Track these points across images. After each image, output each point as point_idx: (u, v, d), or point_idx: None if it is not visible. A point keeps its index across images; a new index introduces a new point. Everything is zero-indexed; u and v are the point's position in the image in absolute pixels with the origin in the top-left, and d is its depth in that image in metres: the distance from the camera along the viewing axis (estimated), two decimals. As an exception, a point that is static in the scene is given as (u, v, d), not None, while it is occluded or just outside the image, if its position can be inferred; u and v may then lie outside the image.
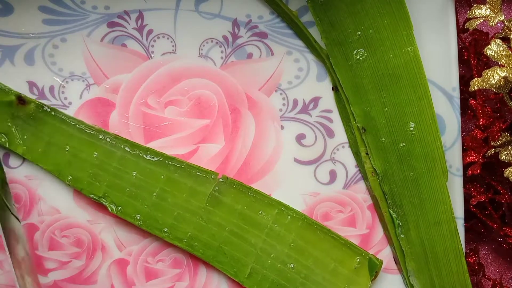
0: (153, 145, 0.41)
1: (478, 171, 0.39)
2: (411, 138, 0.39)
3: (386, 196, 0.40)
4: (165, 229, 0.39)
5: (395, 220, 0.40)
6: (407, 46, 0.39)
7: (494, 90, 0.36)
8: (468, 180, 0.42)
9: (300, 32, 0.41)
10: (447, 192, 0.39)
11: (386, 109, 0.40)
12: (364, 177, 0.41)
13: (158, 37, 0.41)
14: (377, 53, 0.39)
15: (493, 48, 0.37)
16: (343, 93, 0.41)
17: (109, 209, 0.39)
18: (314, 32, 0.41)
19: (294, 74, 0.42)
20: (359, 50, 0.40)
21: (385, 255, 0.41)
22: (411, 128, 0.39)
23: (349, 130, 0.41)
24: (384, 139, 0.40)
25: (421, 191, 0.39)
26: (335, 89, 0.41)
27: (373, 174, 0.40)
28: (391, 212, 0.40)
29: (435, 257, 0.39)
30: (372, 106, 0.40)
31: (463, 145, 0.41)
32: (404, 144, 0.40)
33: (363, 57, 0.40)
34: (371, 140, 0.40)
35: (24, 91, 0.41)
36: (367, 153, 0.40)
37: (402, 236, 0.40)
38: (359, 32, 0.40)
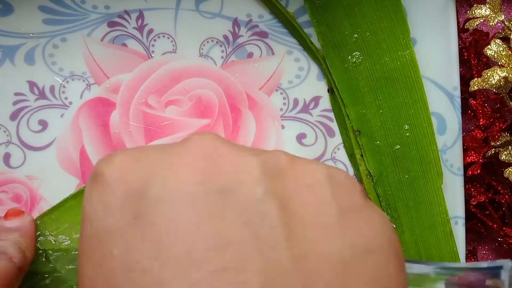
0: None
1: (478, 171, 0.39)
2: (406, 140, 0.39)
3: (380, 199, 0.40)
4: None
5: (389, 223, 0.40)
6: (404, 49, 0.39)
7: (494, 90, 0.36)
8: (468, 180, 0.42)
9: (297, 33, 0.41)
10: (442, 194, 0.39)
11: (381, 111, 0.40)
12: (359, 180, 0.41)
13: (159, 37, 0.41)
14: (374, 56, 0.39)
15: (493, 48, 0.37)
16: (339, 95, 0.41)
17: None
18: (312, 32, 0.41)
19: (295, 73, 0.42)
20: (355, 53, 0.40)
21: (385, 254, 0.42)
22: (406, 130, 0.39)
23: (345, 132, 0.41)
24: (379, 142, 0.40)
25: (416, 194, 0.39)
26: (330, 91, 0.41)
27: (368, 177, 0.40)
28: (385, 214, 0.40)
29: (430, 260, 0.39)
30: (367, 108, 0.40)
31: (463, 145, 0.41)
32: (399, 146, 0.40)
33: (359, 60, 0.40)
34: (366, 142, 0.40)
35: (25, 91, 0.41)
36: (361, 156, 0.40)
37: (397, 238, 0.40)
38: (356, 35, 0.39)
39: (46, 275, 0.37)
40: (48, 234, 0.37)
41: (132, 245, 0.18)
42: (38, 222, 0.37)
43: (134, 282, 0.18)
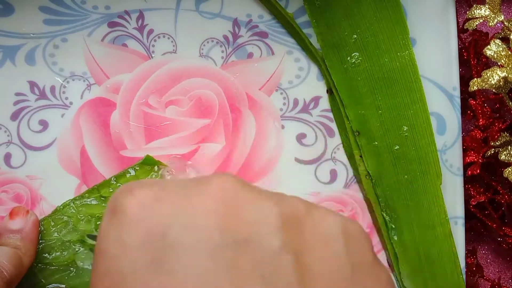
0: (154, 145, 0.41)
1: (478, 171, 0.39)
2: (405, 141, 0.39)
3: (380, 199, 0.40)
4: None
5: (388, 223, 0.40)
6: (403, 50, 0.39)
7: (494, 90, 0.36)
8: (467, 180, 0.42)
9: (296, 34, 0.41)
10: (441, 195, 0.39)
11: (380, 112, 0.40)
12: (358, 180, 0.41)
13: (159, 37, 0.41)
14: (373, 56, 0.39)
15: (493, 49, 0.37)
16: (338, 96, 0.41)
17: None
18: (311, 33, 0.41)
19: (295, 73, 0.42)
20: (354, 53, 0.40)
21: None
22: (405, 131, 0.39)
23: (344, 133, 0.41)
24: (378, 142, 0.40)
25: (415, 194, 0.39)
26: (330, 91, 0.42)
27: (367, 177, 0.40)
28: (384, 215, 0.40)
29: (429, 260, 0.39)
30: (366, 109, 0.40)
31: (462, 145, 0.41)
32: (398, 147, 0.40)
33: (358, 60, 0.40)
34: (365, 143, 0.40)
35: (25, 91, 0.41)
36: (361, 156, 0.40)
37: (396, 238, 0.40)
38: (355, 36, 0.39)
39: (62, 268, 0.38)
40: (72, 225, 0.38)
41: None
42: (64, 217, 0.38)
43: None
